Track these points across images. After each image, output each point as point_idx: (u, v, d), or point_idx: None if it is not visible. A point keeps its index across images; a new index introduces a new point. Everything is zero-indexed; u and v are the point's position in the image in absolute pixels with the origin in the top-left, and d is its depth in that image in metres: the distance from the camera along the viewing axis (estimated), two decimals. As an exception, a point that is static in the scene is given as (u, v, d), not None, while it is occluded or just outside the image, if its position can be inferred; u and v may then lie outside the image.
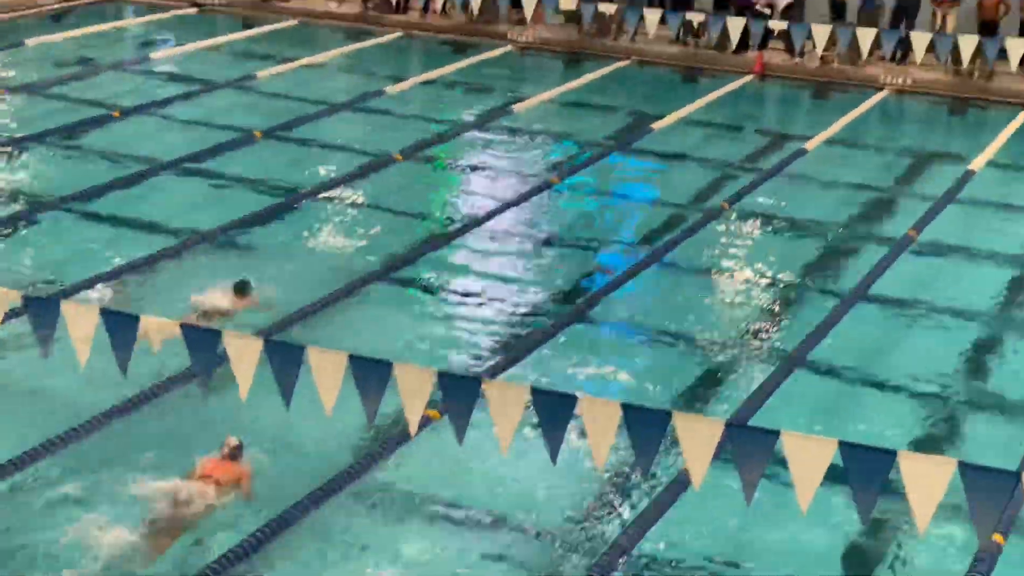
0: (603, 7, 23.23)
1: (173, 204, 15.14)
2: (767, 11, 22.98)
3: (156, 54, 22.09)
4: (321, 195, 15.60)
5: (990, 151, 18.65)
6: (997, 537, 8.73)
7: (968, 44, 21.00)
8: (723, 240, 14.94)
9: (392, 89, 20.55)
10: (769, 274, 14.02)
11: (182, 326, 8.05)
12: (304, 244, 14.16)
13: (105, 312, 8.09)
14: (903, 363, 11.97)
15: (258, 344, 7.89)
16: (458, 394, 7.62)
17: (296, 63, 21.85)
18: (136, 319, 8.05)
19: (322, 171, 16.60)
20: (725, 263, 14.28)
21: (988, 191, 17.17)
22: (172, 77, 20.90)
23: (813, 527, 8.99)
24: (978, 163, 18.02)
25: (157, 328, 8.10)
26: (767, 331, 12.68)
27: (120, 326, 8.03)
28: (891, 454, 6.70)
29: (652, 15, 22.43)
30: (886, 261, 14.15)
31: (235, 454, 9.40)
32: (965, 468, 6.56)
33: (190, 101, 19.44)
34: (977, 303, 13.46)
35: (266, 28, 24.62)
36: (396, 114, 19.59)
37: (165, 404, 10.38)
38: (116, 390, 10.09)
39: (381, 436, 9.95)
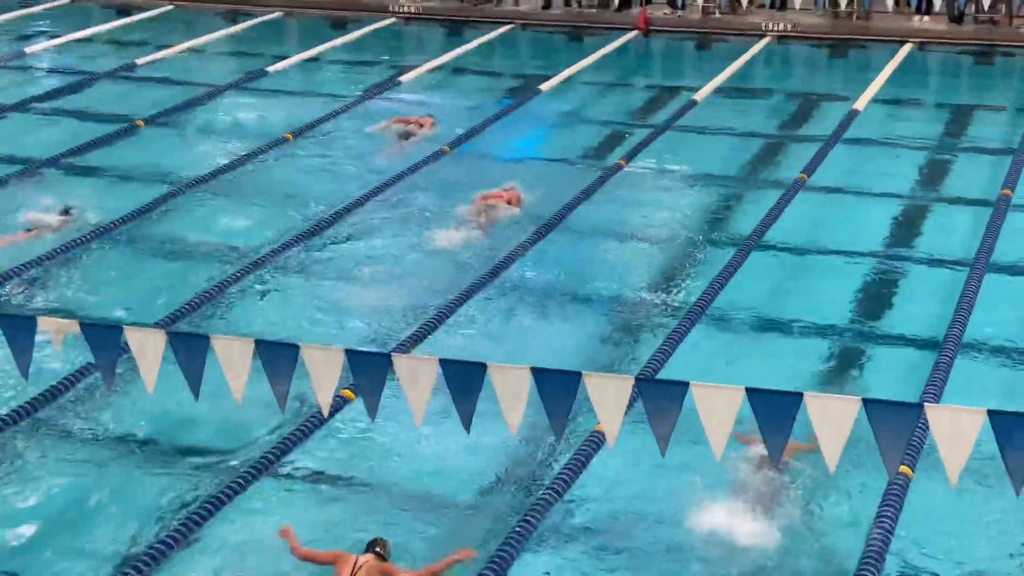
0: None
1: (58, 200, 14.86)
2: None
3: (31, 48, 21.62)
4: (212, 181, 15.40)
5: (872, 90, 19.02)
6: (905, 469, 8.98)
7: (845, -14, 21.39)
8: (622, 197, 15.06)
9: (275, 68, 20.37)
10: (669, 227, 14.18)
11: (82, 324, 7.93)
12: (197, 231, 14.01)
13: (1, 316, 7.95)
14: (802, 306, 12.19)
15: (161, 336, 7.81)
16: (368, 371, 7.62)
17: (175, 48, 21.56)
18: (34, 320, 7.92)
19: (210, 156, 16.41)
20: (625, 220, 14.40)
21: (873, 130, 17.53)
22: (49, 71, 20.51)
23: (727, 473, 9.17)
24: (862, 103, 18.37)
25: (57, 328, 7.97)
26: (670, 284, 12.83)
27: (17, 329, 7.89)
28: (798, 396, 6.84)
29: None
30: (780, 206, 14.38)
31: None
32: (870, 404, 6.72)
33: (69, 94, 19.09)
34: (869, 242, 13.74)
35: (142, 15, 24.23)
36: (282, 93, 19.44)
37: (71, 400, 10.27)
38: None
39: (296, 420, 9.92)
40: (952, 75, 21.71)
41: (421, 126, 17.33)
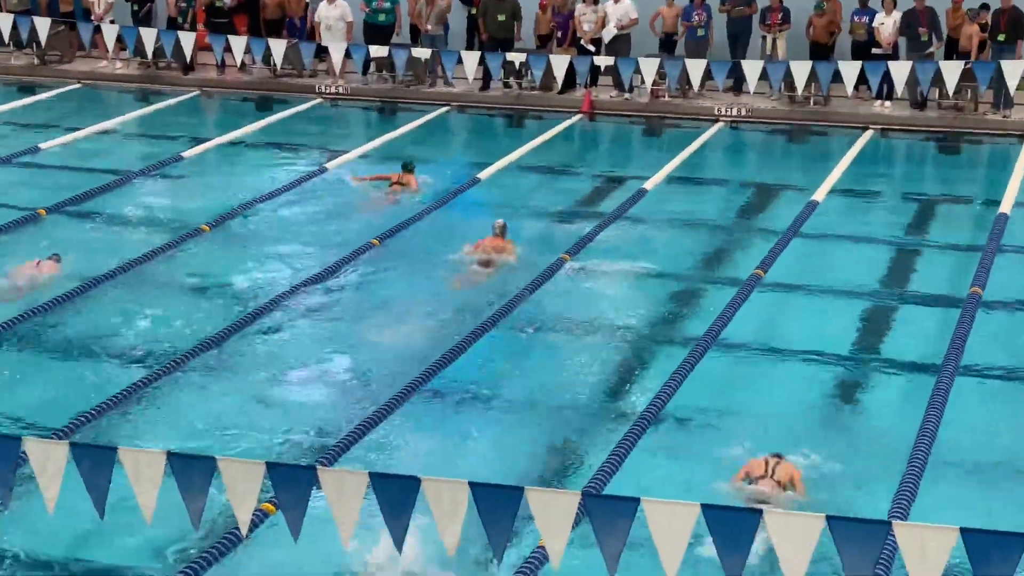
0: (417, 52, 23.48)
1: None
2: (591, 48, 23.49)
3: (-76, 131, 21.57)
4: (120, 275, 15.31)
5: (832, 179, 19.32)
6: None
7: (801, 70, 21.82)
8: (567, 295, 15.13)
9: (191, 152, 20.40)
10: (617, 327, 14.24)
11: (-25, 435, 7.86)
12: (106, 329, 13.92)
13: None
14: (759, 411, 12.26)
15: (63, 448, 7.75)
16: (290, 486, 7.59)
17: (83, 131, 21.57)
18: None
19: (119, 247, 16.32)
20: (570, 318, 14.46)
21: (833, 222, 17.78)
22: (-57, 154, 20.46)
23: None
24: (820, 193, 18.65)
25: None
26: (618, 388, 12.88)
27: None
28: (756, 514, 6.89)
29: (470, 58, 22.73)
30: (735, 304, 14.51)
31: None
32: (834, 521, 6.78)
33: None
34: (829, 342, 13.87)
35: (46, 94, 24.25)
36: (199, 179, 19.46)
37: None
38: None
39: (211, 537, 9.80)
40: (916, 164, 22.17)
41: (403, 184, 18.60)
